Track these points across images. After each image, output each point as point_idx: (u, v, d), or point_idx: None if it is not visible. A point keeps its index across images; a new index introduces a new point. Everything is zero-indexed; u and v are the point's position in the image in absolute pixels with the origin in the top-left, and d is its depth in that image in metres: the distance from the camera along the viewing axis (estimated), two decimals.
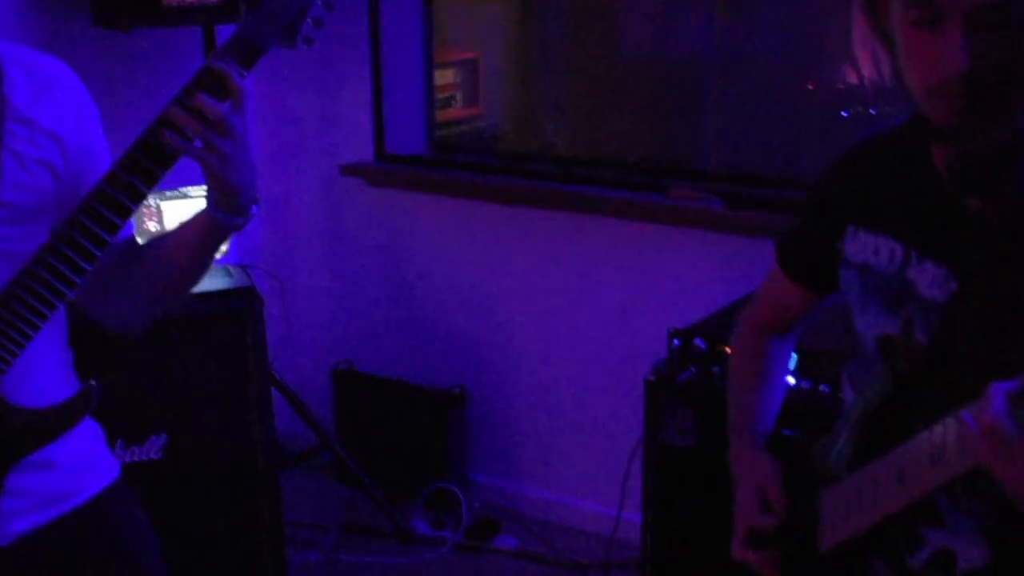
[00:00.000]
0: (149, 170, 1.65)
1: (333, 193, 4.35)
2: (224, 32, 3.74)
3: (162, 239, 1.86)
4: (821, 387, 2.84)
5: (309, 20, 1.69)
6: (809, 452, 1.80)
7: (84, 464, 1.86)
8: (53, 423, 1.72)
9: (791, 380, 2.83)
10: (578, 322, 3.95)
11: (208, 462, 3.25)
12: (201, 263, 1.82)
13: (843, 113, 3.94)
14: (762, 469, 1.84)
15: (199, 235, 1.77)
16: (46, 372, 1.79)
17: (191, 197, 3.30)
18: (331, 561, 3.86)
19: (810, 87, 4.02)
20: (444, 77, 4.42)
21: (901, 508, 1.48)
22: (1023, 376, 1.26)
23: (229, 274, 3.38)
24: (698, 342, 3.01)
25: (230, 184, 1.68)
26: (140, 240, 1.91)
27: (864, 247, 1.66)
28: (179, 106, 1.63)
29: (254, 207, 1.75)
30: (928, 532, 1.61)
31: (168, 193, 3.32)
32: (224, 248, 3.39)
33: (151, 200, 3.26)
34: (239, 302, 3.27)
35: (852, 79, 3.86)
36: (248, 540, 3.33)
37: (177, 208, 3.31)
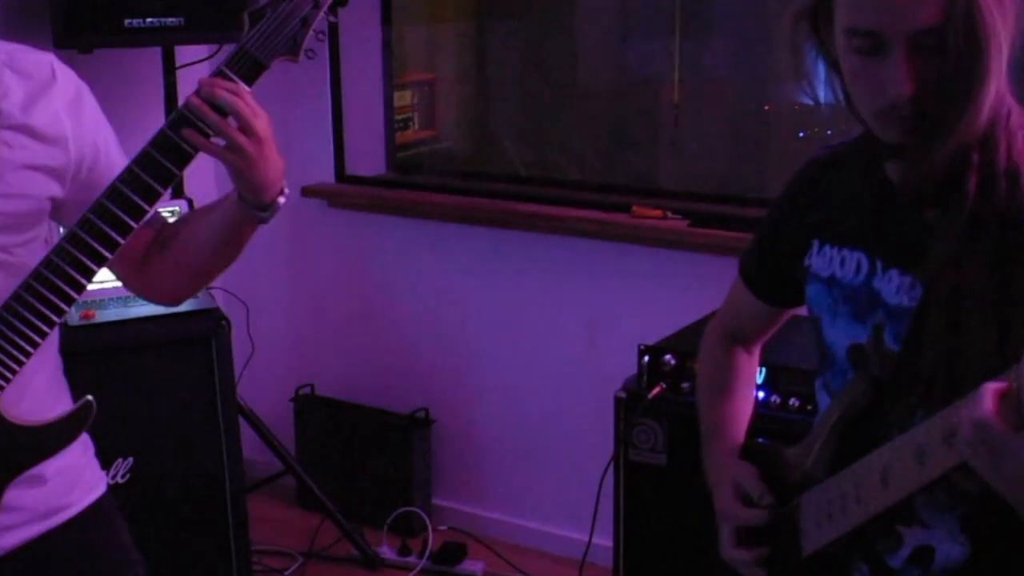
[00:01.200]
0: (165, 168, 1.65)
1: (294, 215, 4.32)
2: (184, 53, 3.73)
3: (191, 226, 1.85)
4: (791, 400, 2.86)
5: (312, 32, 1.70)
6: (786, 458, 1.80)
7: (73, 479, 1.87)
8: (52, 439, 1.73)
9: (760, 394, 2.85)
10: (543, 342, 3.95)
11: (174, 485, 3.23)
12: (230, 250, 1.83)
13: (800, 134, 3.99)
14: (739, 471, 1.85)
15: (225, 226, 1.78)
16: (41, 388, 1.80)
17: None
18: None
19: (766, 108, 4.06)
20: (401, 99, 4.42)
21: (885, 509, 1.49)
22: (1011, 375, 1.27)
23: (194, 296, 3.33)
24: (668, 358, 3.02)
25: (253, 181, 1.68)
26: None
27: (830, 261, 1.70)
28: (199, 102, 1.63)
29: (280, 199, 1.74)
30: (905, 531, 1.63)
31: None
32: None
33: None
34: (206, 324, 3.26)
35: (808, 101, 3.92)
36: (216, 564, 3.30)
37: None
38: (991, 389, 1.27)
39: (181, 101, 1.70)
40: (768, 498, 1.78)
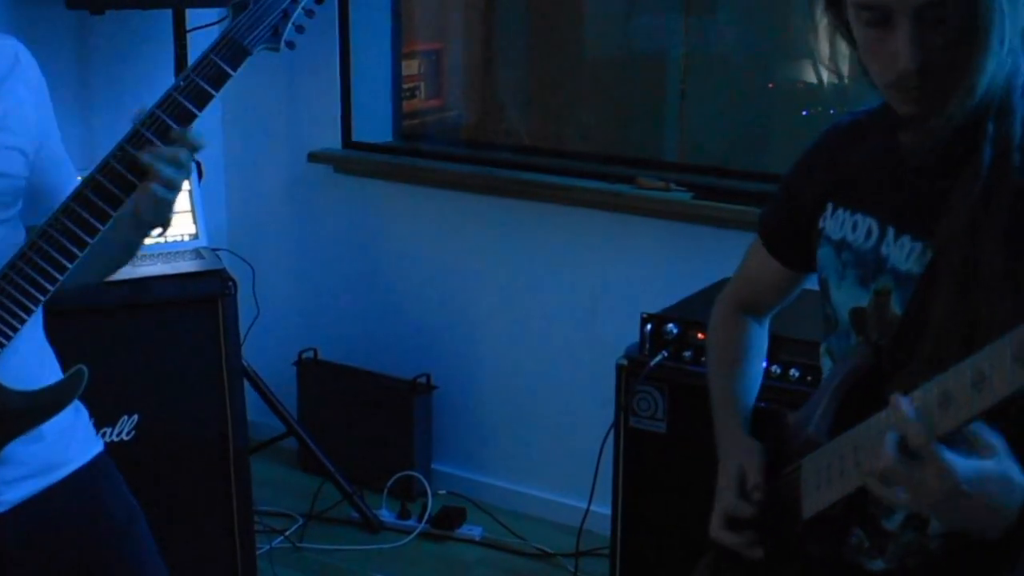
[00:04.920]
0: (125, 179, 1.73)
1: (300, 180, 4.34)
2: (195, 16, 3.74)
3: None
4: (792, 371, 2.87)
5: (291, 25, 1.82)
6: (788, 422, 1.83)
7: (69, 436, 1.92)
8: (46, 404, 1.78)
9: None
10: (545, 311, 3.96)
11: (179, 444, 3.23)
12: (129, 252, 1.94)
13: (803, 112, 4.00)
14: (744, 454, 1.86)
15: (127, 243, 1.88)
16: (30, 355, 1.85)
17: None
18: (296, 549, 3.85)
19: (770, 86, 4.07)
20: (408, 68, 4.42)
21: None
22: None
23: (200, 256, 3.36)
24: (670, 327, 3.03)
25: (160, 216, 1.77)
26: None
27: (842, 224, 1.73)
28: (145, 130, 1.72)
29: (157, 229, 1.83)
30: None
31: None
32: (193, 230, 3.40)
33: None
34: (213, 285, 3.25)
35: (811, 79, 3.93)
36: (218, 522, 3.32)
37: None
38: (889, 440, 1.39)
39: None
40: (759, 494, 1.80)
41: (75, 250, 1.71)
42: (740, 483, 1.83)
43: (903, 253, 1.63)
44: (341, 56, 4.21)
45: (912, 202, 1.62)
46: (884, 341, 1.65)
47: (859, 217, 1.70)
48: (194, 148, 1.74)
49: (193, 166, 3.35)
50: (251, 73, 1.74)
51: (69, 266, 1.71)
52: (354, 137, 4.27)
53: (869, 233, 1.68)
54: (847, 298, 1.71)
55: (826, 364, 1.80)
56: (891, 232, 1.65)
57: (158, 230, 1.83)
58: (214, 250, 3.47)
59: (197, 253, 3.39)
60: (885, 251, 1.65)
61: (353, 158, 4.25)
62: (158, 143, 1.71)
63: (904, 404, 1.40)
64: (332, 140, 4.27)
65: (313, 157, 4.25)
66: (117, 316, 3.15)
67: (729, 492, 1.83)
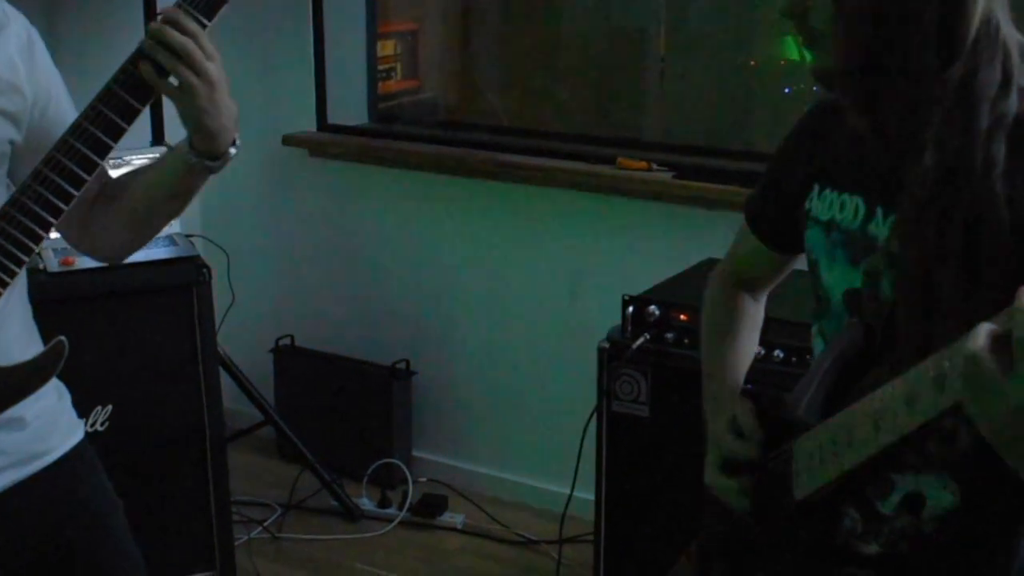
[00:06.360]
0: (127, 103, 1.65)
1: (275, 164, 4.31)
2: None
3: (139, 178, 1.86)
4: (776, 352, 2.85)
5: None
6: (779, 404, 1.79)
7: (51, 423, 1.89)
8: (26, 380, 1.74)
9: None
10: (525, 294, 3.94)
11: (154, 433, 3.22)
12: (179, 202, 1.83)
13: (785, 89, 3.98)
14: (736, 405, 1.84)
15: (176, 176, 1.78)
16: (12, 330, 1.80)
17: (134, 166, 3.22)
18: (275, 540, 3.82)
19: (752, 64, 4.04)
20: (384, 48, 4.39)
21: (876, 453, 1.48)
22: (1002, 318, 1.26)
23: (174, 242, 3.31)
24: (652, 308, 3.01)
25: (206, 127, 1.68)
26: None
27: (830, 205, 1.70)
28: (150, 38, 1.64)
29: (232, 149, 1.74)
30: (897, 477, 1.63)
31: (111, 160, 3.24)
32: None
33: None
34: (187, 272, 3.23)
35: (793, 56, 3.91)
36: (195, 513, 3.30)
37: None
38: (986, 328, 1.26)
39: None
40: (759, 435, 1.77)
41: (70, 188, 1.65)
42: (735, 430, 1.80)
43: (891, 233, 1.59)
44: (315, 37, 4.17)
45: (897, 181, 1.58)
46: (877, 322, 1.62)
47: (846, 197, 1.67)
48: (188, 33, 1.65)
49: (165, 151, 3.33)
50: (223, 54, 1.69)
51: (63, 206, 1.65)
52: (329, 119, 4.24)
53: (856, 212, 1.65)
54: (839, 279, 1.69)
55: (818, 345, 1.78)
56: (879, 211, 1.62)
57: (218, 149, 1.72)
58: (188, 236, 3.43)
59: (170, 240, 3.34)
60: (874, 231, 1.62)
61: (328, 141, 4.22)
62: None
63: None
64: (307, 123, 4.24)
65: (288, 140, 4.23)
66: (90, 304, 3.12)
67: (724, 436, 1.81)
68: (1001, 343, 1.25)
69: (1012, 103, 1.48)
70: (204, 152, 1.72)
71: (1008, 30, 1.50)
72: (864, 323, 1.64)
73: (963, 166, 1.47)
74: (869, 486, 1.64)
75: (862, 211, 1.64)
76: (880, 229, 1.61)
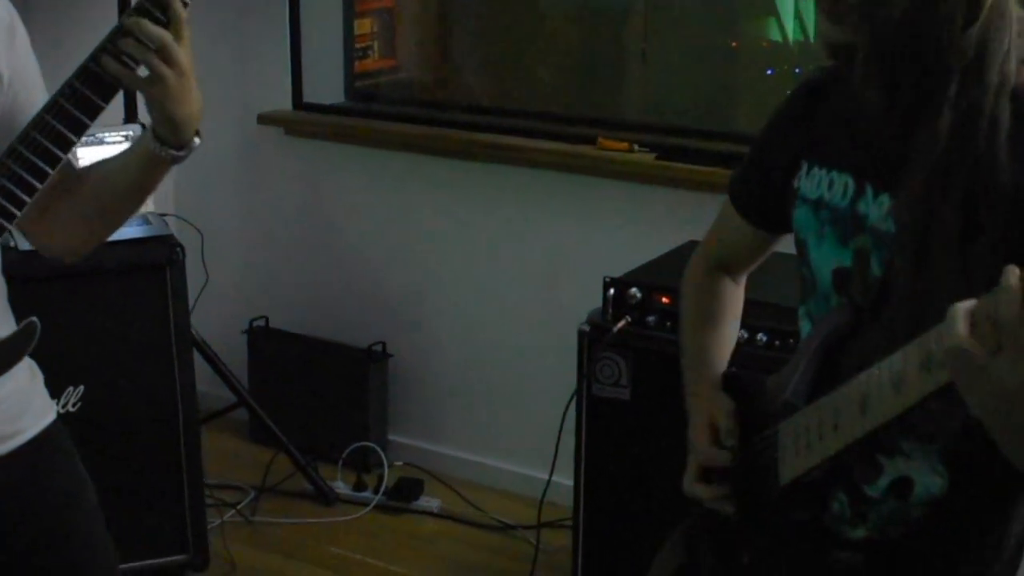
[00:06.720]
0: (90, 100, 1.64)
1: (250, 143, 4.27)
2: None
3: (101, 168, 1.84)
4: (759, 335, 2.83)
5: None
6: (765, 387, 1.79)
7: (24, 404, 1.86)
8: None
9: None
10: (504, 275, 3.91)
11: (127, 415, 3.19)
12: (140, 195, 1.82)
13: (768, 71, 3.97)
14: (716, 405, 1.84)
15: (139, 167, 1.76)
16: None
17: (107, 143, 3.19)
18: (248, 523, 3.79)
19: (734, 45, 4.02)
20: (361, 27, 4.36)
21: (863, 436, 1.48)
22: (988, 298, 1.25)
23: (147, 222, 3.29)
24: (633, 291, 2.99)
25: (173, 116, 1.67)
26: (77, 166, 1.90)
27: (819, 183, 1.69)
28: (121, 31, 1.61)
29: (196, 139, 1.73)
30: (885, 460, 1.63)
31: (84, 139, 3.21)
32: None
33: None
34: (161, 251, 3.20)
35: (777, 37, 3.89)
36: (168, 496, 3.28)
37: (93, 155, 3.20)
38: (961, 311, 1.25)
39: None
40: (733, 440, 1.78)
41: (34, 180, 1.63)
42: (712, 433, 1.81)
43: (881, 211, 1.58)
44: (291, 15, 4.13)
45: (887, 158, 1.58)
46: (865, 302, 1.61)
47: (835, 175, 1.66)
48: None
49: (139, 129, 3.30)
50: (198, 32, 1.66)
51: (26, 198, 1.63)
52: (305, 98, 4.20)
53: (845, 190, 1.64)
54: (828, 258, 1.67)
55: (804, 328, 1.76)
56: (869, 189, 1.61)
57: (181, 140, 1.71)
58: (161, 215, 3.40)
59: (143, 218, 3.30)
60: (863, 209, 1.61)
61: (304, 120, 4.19)
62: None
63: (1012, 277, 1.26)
64: (283, 101, 4.20)
65: (263, 119, 4.19)
66: (61, 284, 3.08)
67: (701, 443, 1.81)
68: (983, 323, 1.24)
69: (1012, 70, 1.48)
70: (169, 142, 1.70)
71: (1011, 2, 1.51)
72: (852, 305, 1.63)
73: (973, 124, 1.47)
74: (857, 470, 1.64)
75: (852, 189, 1.63)
76: (870, 207, 1.60)
